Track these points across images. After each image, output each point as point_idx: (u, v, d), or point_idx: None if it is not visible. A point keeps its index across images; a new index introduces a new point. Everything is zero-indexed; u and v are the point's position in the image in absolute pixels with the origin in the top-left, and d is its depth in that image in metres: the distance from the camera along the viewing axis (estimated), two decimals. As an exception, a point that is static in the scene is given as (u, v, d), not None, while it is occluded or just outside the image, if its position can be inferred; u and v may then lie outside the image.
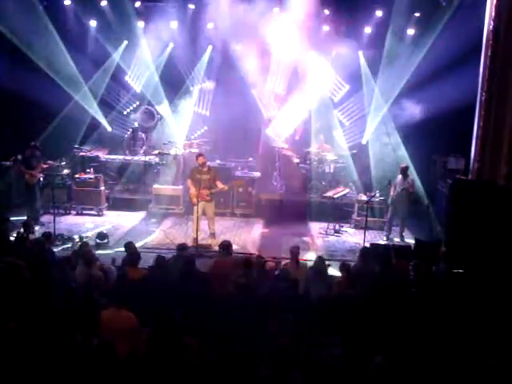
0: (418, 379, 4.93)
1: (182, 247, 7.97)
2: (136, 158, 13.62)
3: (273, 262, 8.41)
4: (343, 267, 7.35)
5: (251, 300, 6.32)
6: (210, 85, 14.66)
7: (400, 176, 11.18)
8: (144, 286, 6.71)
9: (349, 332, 5.62)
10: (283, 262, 8.28)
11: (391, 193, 11.21)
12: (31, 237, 8.64)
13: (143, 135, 14.36)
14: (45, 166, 11.65)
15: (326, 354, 5.07)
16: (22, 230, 8.71)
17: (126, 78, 14.80)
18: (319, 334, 5.43)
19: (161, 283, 6.81)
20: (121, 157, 13.70)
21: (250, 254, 9.64)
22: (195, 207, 10.34)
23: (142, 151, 13.98)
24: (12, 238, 8.64)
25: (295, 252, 7.95)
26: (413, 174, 11.99)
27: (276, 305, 6.09)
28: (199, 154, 10.72)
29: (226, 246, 8.11)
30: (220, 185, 10.42)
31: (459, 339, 5.64)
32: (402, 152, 13.08)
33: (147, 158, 13.34)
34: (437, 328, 5.83)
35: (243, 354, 5.03)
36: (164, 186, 12.67)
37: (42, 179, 11.47)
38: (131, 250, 7.96)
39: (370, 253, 8.19)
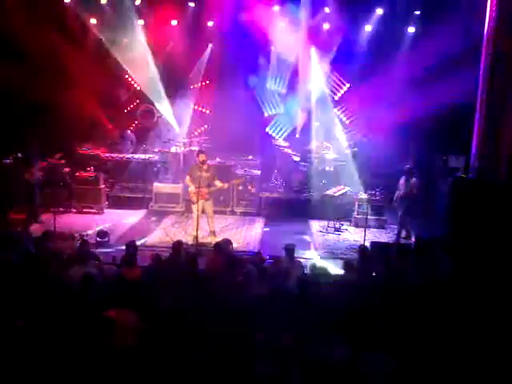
0: (421, 378, 4.94)
1: (177, 245, 7.91)
2: (136, 156, 13.63)
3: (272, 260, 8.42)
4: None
5: (248, 298, 6.32)
6: None
7: (403, 178, 11.02)
8: (140, 285, 6.70)
9: (350, 332, 5.61)
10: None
11: (396, 195, 11.12)
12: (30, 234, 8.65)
13: (132, 135, 14.37)
14: (44, 164, 11.66)
15: (327, 354, 5.06)
16: (20, 227, 8.72)
17: (126, 76, 14.78)
18: (320, 333, 5.43)
19: (157, 282, 6.79)
20: (121, 155, 13.70)
21: (250, 252, 9.66)
22: (194, 205, 10.34)
23: (130, 151, 14.02)
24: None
25: (290, 249, 7.97)
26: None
27: (275, 303, 6.09)
28: (200, 152, 10.61)
29: (217, 245, 8.10)
30: (219, 183, 10.40)
31: (460, 338, 5.64)
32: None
33: (147, 156, 13.35)
34: (438, 327, 5.83)
35: (240, 352, 5.04)
36: (164, 184, 12.67)
37: (41, 177, 11.50)
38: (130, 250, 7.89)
39: (368, 251, 8.21)
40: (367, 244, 9.60)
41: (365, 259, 7.86)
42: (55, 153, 12.44)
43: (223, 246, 8.16)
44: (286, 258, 7.99)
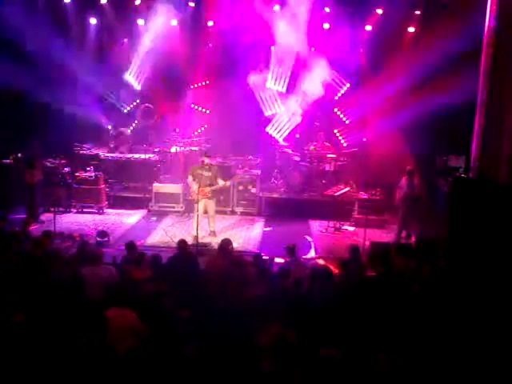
0: (418, 378, 4.94)
1: (182, 244, 7.92)
2: (136, 156, 13.63)
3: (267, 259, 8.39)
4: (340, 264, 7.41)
5: (249, 298, 6.32)
6: None
7: (405, 178, 11.05)
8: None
9: (350, 331, 5.62)
10: (280, 260, 8.28)
11: (397, 195, 11.12)
12: (29, 234, 8.65)
13: (127, 130, 14.43)
14: (46, 164, 11.66)
15: (327, 353, 5.06)
16: (20, 227, 8.73)
17: (126, 75, 14.78)
18: (320, 333, 5.43)
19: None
20: (120, 155, 13.70)
21: (250, 252, 9.66)
22: (196, 205, 10.37)
23: (124, 148, 14.04)
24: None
25: (292, 249, 7.95)
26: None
27: (275, 303, 6.09)
28: (205, 155, 10.81)
29: (220, 245, 8.10)
30: (222, 181, 10.46)
31: (459, 338, 5.64)
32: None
33: (147, 156, 13.36)
34: (437, 327, 5.83)
35: (242, 351, 5.04)
36: (164, 184, 12.67)
37: (42, 177, 11.50)
38: (133, 250, 7.93)
39: (358, 250, 8.23)
40: (367, 244, 9.63)
41: (357, 259, 7.89)
42: (55, 153, 12.45)
43: (225, 246, 8.17)
44: (291, 258, 7.96)
